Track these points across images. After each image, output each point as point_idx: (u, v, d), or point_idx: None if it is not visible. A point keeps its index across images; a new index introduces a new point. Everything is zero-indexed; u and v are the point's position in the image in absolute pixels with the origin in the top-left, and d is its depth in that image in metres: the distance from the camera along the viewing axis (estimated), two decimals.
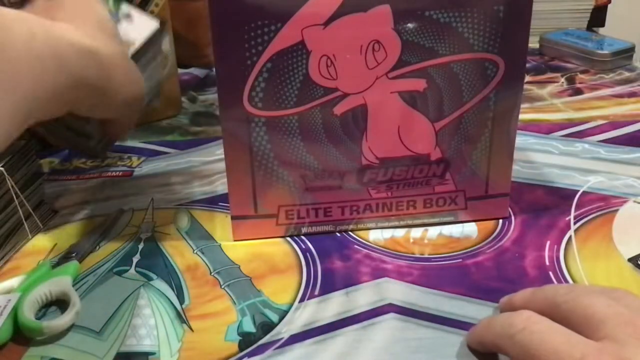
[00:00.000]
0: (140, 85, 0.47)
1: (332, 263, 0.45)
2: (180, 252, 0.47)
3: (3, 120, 0.34)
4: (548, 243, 0.47)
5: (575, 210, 0.51)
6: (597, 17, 0.93)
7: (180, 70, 0.72)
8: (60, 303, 0.42)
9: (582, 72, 0.80)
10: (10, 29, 0.35)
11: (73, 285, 0.43)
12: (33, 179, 0.50)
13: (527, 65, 0.77)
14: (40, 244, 0.48)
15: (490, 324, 0.36)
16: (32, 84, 0.36)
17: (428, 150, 0.46)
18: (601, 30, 0.94)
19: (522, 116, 0.47)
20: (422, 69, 0.43)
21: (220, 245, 0.48)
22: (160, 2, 0.63)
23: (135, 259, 0.46)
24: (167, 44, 0.65)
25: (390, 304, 0.41)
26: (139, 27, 0.51)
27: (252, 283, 0.44)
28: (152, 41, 0.51)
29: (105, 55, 0.43)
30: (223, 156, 0.45)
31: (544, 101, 0.72)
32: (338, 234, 0.49)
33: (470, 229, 0.49)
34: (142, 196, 0.54)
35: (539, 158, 0.59)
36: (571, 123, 0.66)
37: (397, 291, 0.42)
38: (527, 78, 0.78)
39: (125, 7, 0.51)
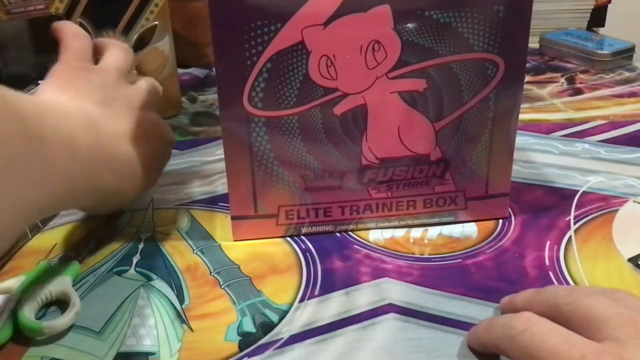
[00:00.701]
0: (139, 187, 0.49)
1: (332, 263, 0.45)
2: (180, 252, 0.47)
3: (12, 220, 0.34)
4: (548, 243, 0.47)
5: (575, 210, 0.51)
6: (597, 17, 0.93)
7: (180, 70, 0.72)
8: (60, 303, 0.42)
9: (582, 72, 0.80)
10: (52, 155, 0.36)
11: (73, 285, 0.43)
12: None
13: (527, 65, 0.77)
14: (40, 244, 0.48)
15: (490, 326, 0.36)
16: (54, 194, 0.37)
17: (428, 150, 0.46)
18: (601, 30, 0.93)
19: (522, 116, 0.47)
20: (422, 69, 0.43)
21: (220, 245, 0.48)
22: (160, 2, 0.63)
23: (135, 259, 0.46)
24: (167, 44, 0.65)
25: (390, 304, 0.41)
26: None
27: (252, 283, 0.44)
28: None
29: (134, 164, 0.46)
30: (223, 156, 0.45)
31: (544, 101, 0.72)
32: (338, 234, 0.49)
33: (470, 229, 0.49)
34: (142, 196, 0.54)
35: (539, 158, 0.59)
36: (571, 123, 0.66)
37: (397, 291, 0.42)
38: (527, 78, 0.77)
39: None
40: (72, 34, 0.48)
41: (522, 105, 0.50)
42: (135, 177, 0.47)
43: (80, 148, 0.39)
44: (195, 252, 0.47)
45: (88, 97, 0.44)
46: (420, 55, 0.43)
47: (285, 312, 0.41)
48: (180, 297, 0.43)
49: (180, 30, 0.72)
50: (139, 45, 0.63)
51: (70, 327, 0.40)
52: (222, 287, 0.43)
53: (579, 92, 0.74)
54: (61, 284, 0.42)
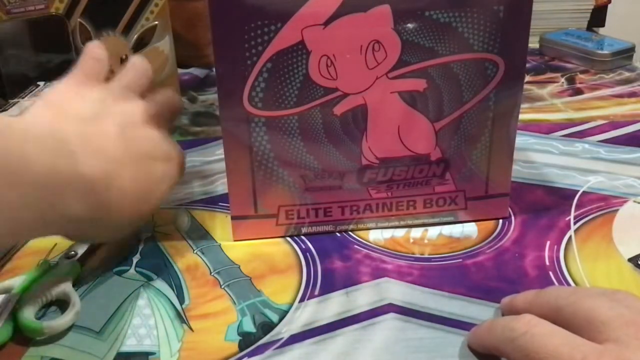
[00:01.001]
0: (150, 205, 0.44)
1: (332, 263, 0.45)
2: (180, 252, 0.47)
3: None
4: (548, 243, 0.47)
5: (575, 210, 0.51)
6: (597, 17, 0.93)
7: (180, 70, 0.72)
8: (60, 303, 0.42)
9: (582, 72, 0.80)
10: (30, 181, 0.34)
11: (73, 285, 0.43)
12: None
13: (527, 65, 0.77)
14: (40, 244, 0.48)
15: (491, 327, 0.36)
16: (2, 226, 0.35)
17: (428, 150, 0.46)
18: (601, 30, 0.94)
19: (522, 116, 0.47)
20: (422, 69, 0.43)
21: (220, 245, 0.48)
22: (160, 2, 0.63)
23: (135, 259, 0.46)
24: (167, 44, 0.65)
25: (390, 304, 0.41)
26: None
27: (252, 283, 0.44)
28: None
29: (119, 187, 0.41)
30: (223, 156, 0.45)
31: (544, 101, 0.72)
32: (338, 234, 0.49)
33: (470, 229, 0.49)
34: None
35: (539, 158, 0.59)
36: (571, 123, 0.66)
37: (397, 291, 0.42)
38: (527, 78, 0.77)
39: None
40: (89, 56, 0.46)
41: (522, 105, 0.50)
42: (122, 202, 0.41)
43: (36, 174, 0.36)
44: (195, 252, 0.47)
45: (73, 115, 0.41)
46: (420, 55, 0.43)
47: (285, 312, 0.41)
48: (180, 297, 0.43)
49: (180, 30, 0.72)
50: (139, 45, 0.63)
51: (70, 327, 0.40)
52: (222, 287, 0.43)
53: (579, 92, 0.74)
54: (61, 284, 0.42)
